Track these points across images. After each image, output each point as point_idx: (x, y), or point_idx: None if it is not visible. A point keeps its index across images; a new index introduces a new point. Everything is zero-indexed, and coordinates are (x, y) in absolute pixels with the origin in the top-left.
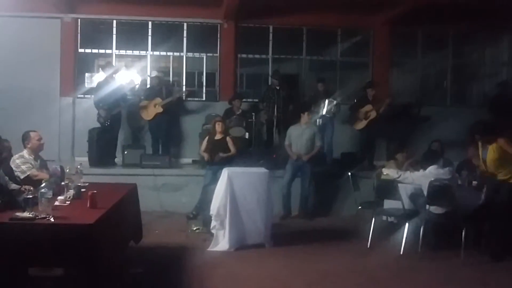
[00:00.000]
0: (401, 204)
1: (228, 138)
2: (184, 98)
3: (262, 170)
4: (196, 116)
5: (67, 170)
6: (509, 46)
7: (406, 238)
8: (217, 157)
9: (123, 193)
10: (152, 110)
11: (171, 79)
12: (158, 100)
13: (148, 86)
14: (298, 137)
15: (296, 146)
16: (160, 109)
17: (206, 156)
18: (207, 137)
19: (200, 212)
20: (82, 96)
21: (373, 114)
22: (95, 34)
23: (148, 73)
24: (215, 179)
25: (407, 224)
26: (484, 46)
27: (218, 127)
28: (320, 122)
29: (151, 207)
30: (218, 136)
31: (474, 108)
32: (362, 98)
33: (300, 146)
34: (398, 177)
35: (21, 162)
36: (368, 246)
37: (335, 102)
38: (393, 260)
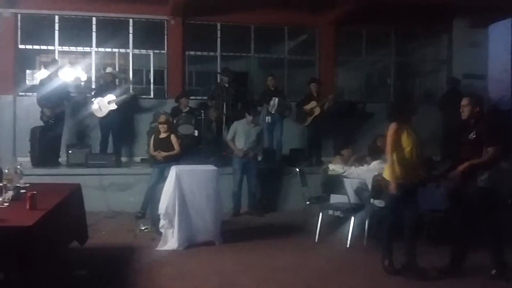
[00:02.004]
0: (347, 198)
1: (172, 136)
2: (131, 90)
3: (211, 167)
4: (145, 114)
5: (6, 171)
6: (447, 44)
7: (352, 231)
8: (158, 155)
9: (65, 193)
10: (105, 107)
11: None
12: (112, 97)
13: (101, 82)
14: (244, 135)
15: (242, 143)
16: (114, 106)
17: (155, 154)
18: (152, 136)
19: (147, 211)
20: (23, 93)
21: (317, 111)
22: (37, 29)
23: (94, 70)
24: (162, 177)
25: (353, 218)
26: (425, 44)
27: (162, 127)
28: (269, 119)
29: (98, 208)
30: (162, 135)
31: (416, 105)
32: (307, 94)
33: (246, 143)
34: (344, 172)
35: None
36: (316, 241)
37: (283, 98)
38: (340, 254)
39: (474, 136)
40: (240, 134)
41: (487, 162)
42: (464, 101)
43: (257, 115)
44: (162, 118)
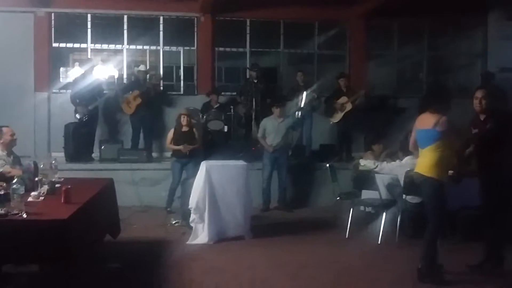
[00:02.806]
0: (378, 194)
1: (194, 130)
2: (161, 87)
3: (241, 162)
4: (174, 110)
5: (41, 166)
6: (482, 38)
7: (383, 227)
8: (184, 148)
9: (98, 188)
10: (133, 103)
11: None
12: (136, 92)
13: (132, 79)
14: (273, 130)
15: (272, 138)
16: (139, 100)
17: (174, 147)
18: (172, 130)
19: (172, 205)
20: (58, 91)
21: (348, 106)
22: (70, 28)
23: (126, 67)
24: (185, 172)
25: (384, 214)
26: (459, 37)
27: (184, 120)
28: (299, 114)
29: (130, 202)
30: (184, 129)
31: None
32: (337, 90)
33: (276, 139)
34: (375, 168)
35: None
36: (347, 237)
37: (314, 95)
38: (371, 250)
39: (492, 129)
40: (270, 131)
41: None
42: (479, 94)
43: (283, 107)
44: (184, 111)
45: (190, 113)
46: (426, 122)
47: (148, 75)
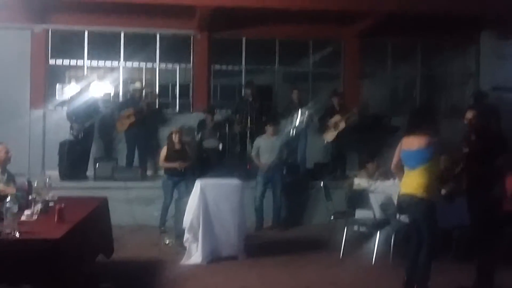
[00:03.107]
0: (372, 213)
1: (186, 147)
2: (157, 105)
3: (235, 181)
4: (170, 128)
5: (35, 184)
6: (475, 56)
7: (377, 247)
8: (180, 165)
9: (92, 207)
10: (125, 121)
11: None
12: (130, 110)
13: (128, 97)
14: (267, 149)
15: (267, 157)
16: (133, 118)
17: (169, 164)
18: (165, 147)
19: (166, 225)
20: (53, 108)
21: (342, 125)
22: (66, 45)
23: (122, 85)
24: (176, 191)
25: (378, 234)
26: (452, 57)
27: (176, 137)
28: (294, 132)
29: (124, 221)
30: (177, 146)
31: (443, 118)
32: (330, 108)
33: (270, 158)
34: (369, 187)
35: None
36: (341, 257)
37: (307, 112)
38: (365, 271)
39: (482, 148)
40: (263, 149)
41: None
42: (470, 114)
43: (277, 125)
44: (175, 128)
45: (181, 130)
46: (414, 143)
47: (143, 93)
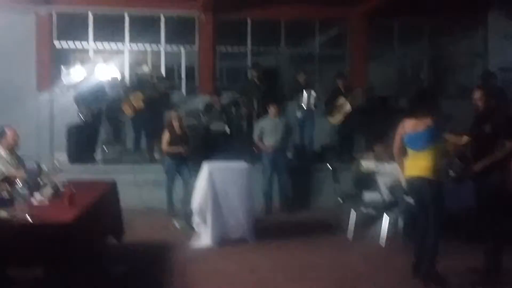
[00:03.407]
0: (380, 195)
1: (187, 131)
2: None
3: (243, 164)
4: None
5: (45, 168)
6: (483, 37)
7: (386, 229)
8: (184, 150)
9: (102, 190)
10: (134, 105)
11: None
12: (139, 94)
13: (135, 80)
14: (271, 130)
15: (270, 139)
16: (142, 103)
17: (173, 149)
18: (167, 132)
19: (173, 208)
20: (60, 91)
21: (347, 107)
22: (71, 27)
23: (128, 67)
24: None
25: (386, 216)
26: (459, 37)
27: (175, 122)
28: (300, 114)
29: (133, 204)
30: (178, 131)
31: (451, 99)
32: (335, 90)
33: (274, 138)
34: (376, 169)
35: None
36: (350, 239)
37: (315, 94)
38: (375, 252)
39: (490, 129)
40: (267, 131)
41: (503, 157)
42: (477, 93)
43: (280, 106)
44: (174, 113)
45: (180, 115)
46: (419, 124)
47: (151, 77)
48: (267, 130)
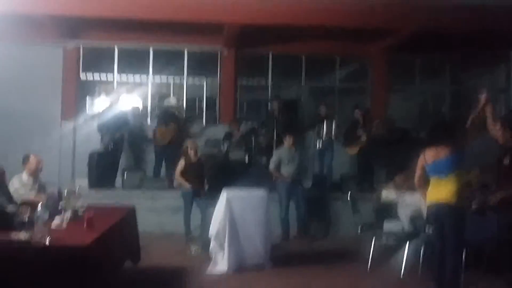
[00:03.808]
0: (401, 225)
1: (202, 160)
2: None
3: (261, 192)
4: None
5: (65, 193)
6: (505, 73)
7: (406, 260)
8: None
9: (120, 215)
10: (167, 135)
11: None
12: (172, 125)
13: (158, 112)
14: (289, 160)
15: (287, 169)
16: (173, 133)
17: (185, 183)
18: (182, 160)
19: (191, 234)
20: (84, 121)
21: (363, 138)
22: (97, 60)
23: (151, 99)
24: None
25: (407, 246)
26: (481, 73)
27: (191, 152)
28: (320, 145)
29: (151, 229)
30: (194, 159)
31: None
32: (354, 121)
33: (290, 168)
34: (397, 199)
35: (20, 184)
36: (368, 269)
37: (334, 125)
38: (393, 284)
39: (509, 161)
40: (283, 161)
41: None
42: (497, 126)
43: (295, 136)
44: (191, 143)
45: (196, 144)
46: (441, 152)
47: (178, 108)
48: (284, 159)
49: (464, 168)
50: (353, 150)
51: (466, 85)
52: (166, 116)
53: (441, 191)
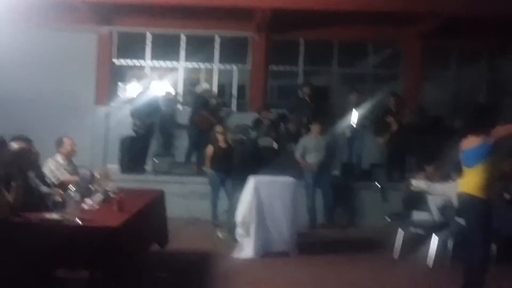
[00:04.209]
0: (430, 215)
1: (232, 146)
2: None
3: (289, 179)
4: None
5: (96, 175)
6: None
7: (435, 250)
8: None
9: (150, 198)
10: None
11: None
12: (206, 112)
13: (195, 97)
14: (314, 148)
15: (313, 157)
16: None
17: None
18: (211, 146)
19: (218, 220)
20: (116, 105)
21: (394, 126)
22: (130, 45)
23: (182, 84)
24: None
25: (436, 236)
26: None
27: (220, 138)
28: (349, 133)
29: (179, 214)
30: (223, 145)
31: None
32: (386, 109)
33: (317, 156)
34: (427, 188)
35: (55, 167)
36: (396, 258)
37: (364, 113)
38: (421, 273)
39: None
40: (310, 149)
41: None
42: None
43: (322, 124)
44: (220, 129)
45: (225, 130)
46: (472, 141)
47: (211, 94)
48: (310, 148)
49: (497, 158)
50: (383, 138)
51: (503, 72)
52: (201, 102)
53: (469, 182)
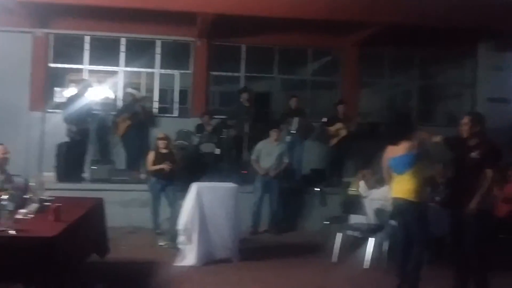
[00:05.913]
0: (366, 219)
1: (173, 152)
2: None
3: (231, 185)
4: (168, 132)
5: (31, 184)
6: (471, 68)
7: (371, 252)
8: (166, 167)
9: (88, 207)
10: (121, 126)
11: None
12: (125, 114)
13: (125, 102)
14: (267, 154)
15: (265, 162)
16: (128, 123)
17: (156, 167)
18: (152, 152)
19: (160, 228)
20: (52, 110)
21: (343, 133)
22: (67, 49)
23: (121, 89)
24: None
25: (372, 239)
26: (449, 67)
27: (161, 143)
28: (290, 139)
29: (119, 223)
30: (163, 151)
31: (439, 127)
32: (334, 116)
33: (269, 162)
34: (364, 193)
35: None
36: (335, 261)
37: (304, 119)
38: (358, 275)
39: (478, 156)
40: (264, 154)
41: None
42: (465, 120)
43: (281, 131)
44: (162, 135)
45: (167, 136)
46: (398, 149)
47: (137, 97)
48: (265, 152)
49: (424, 164)
50: (330, 143)
51: (434, 80)
52: (123, 106)
53: (401, 187)
